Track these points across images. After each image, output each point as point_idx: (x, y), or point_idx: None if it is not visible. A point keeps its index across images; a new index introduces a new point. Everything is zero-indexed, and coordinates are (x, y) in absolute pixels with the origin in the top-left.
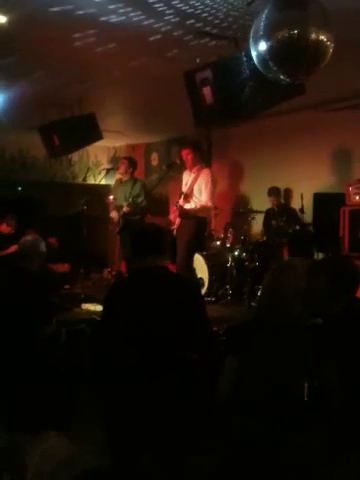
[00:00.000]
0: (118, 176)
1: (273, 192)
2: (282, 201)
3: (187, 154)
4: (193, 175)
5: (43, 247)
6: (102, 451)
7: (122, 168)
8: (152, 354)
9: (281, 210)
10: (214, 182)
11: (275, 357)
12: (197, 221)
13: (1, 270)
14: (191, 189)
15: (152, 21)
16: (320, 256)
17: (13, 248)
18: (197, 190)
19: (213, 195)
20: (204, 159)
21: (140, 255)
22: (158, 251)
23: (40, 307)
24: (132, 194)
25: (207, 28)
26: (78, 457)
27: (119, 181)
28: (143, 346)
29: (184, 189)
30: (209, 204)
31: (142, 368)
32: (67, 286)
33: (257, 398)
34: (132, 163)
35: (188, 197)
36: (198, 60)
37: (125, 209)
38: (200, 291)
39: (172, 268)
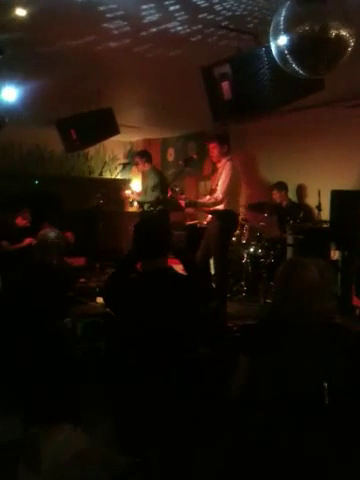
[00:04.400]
0: (136, 169)
1: (278, 187)
2: (292, 198)
3: (213, 148)
4: (220, 169)
5: (62, 241)
6: (115, 444)
7: (140, 165)
8: (163, 352)
9: (297, 207)
10: (235, 176)
11: (291, 357)
12: (219, 216)
13: (20, 263)
14: (216, 183)
15: (171, 16)
16: (337, 255)
17: (28, 241)
18: (220, 184)
19: (228, 189)
20: (230, 152)
21: (148, 255)
22: (165, 252)
23: (59, 301)
24: (148, 184)
25: (226, 22)
26: (92, 450)
27: (141, 174)
28: (153, 345)
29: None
30: (219, 197)
31: (154, 365)
32: (82, 280)
33: (272, 398)
34: (144, 155)
35: (212, 192)
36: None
37: (136, 197)
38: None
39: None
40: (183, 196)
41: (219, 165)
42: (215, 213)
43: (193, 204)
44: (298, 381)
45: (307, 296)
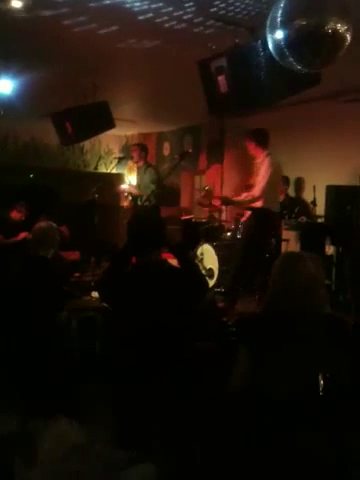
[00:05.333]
0: (132, 164)
1: (281, 180)
2: (289, 193)
3: (248, 143)
4: (258, 165)
5: (57, 234)
6: (112, 439)
7: (136, 155)
8: (158, 345)
9: (293, 202)
10: (276, 172)
11: (291, 349)
12: (253, 213)
13: (17, 256)
14: (254, 180)
15: (167, 9)
16: (331, 249)
17: (23, 235)
18: (258, 180)
19: (267, 186)
20: (266, 147)
21: (142, 250)
22: (159, 246)
23: (55, 294)
24: (143, 179)
25: (222, 15)
26: (89, 443)
27: (135, 169)
28: (149, 338)
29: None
30: (256, 194)
31: (150, 358)
32: (77, 274)
33: (272, 391)
34: (144, 148)
35: (250, 187)
36: (214, 46)
37: (133, 191)
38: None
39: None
40: (218, 194)
41: (258, 161)
42: (251, 209)
43: (229, 202)
44: (298, 374)
45: (305, 289)
